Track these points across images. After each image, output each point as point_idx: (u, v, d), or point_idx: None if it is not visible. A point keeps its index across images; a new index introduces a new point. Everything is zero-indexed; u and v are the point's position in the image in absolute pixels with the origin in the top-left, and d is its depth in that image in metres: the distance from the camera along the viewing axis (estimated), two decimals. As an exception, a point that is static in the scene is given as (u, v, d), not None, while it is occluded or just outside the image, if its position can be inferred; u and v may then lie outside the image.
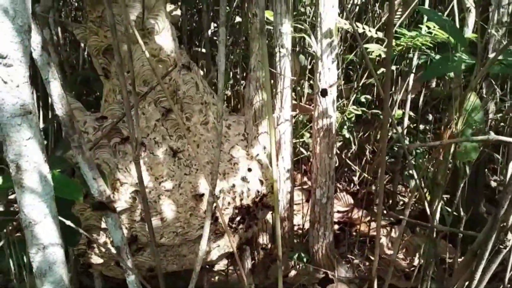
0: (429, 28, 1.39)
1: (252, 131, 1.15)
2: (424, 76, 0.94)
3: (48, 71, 0.57)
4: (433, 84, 2.36)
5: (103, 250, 0.94)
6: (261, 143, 1.32)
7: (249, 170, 1.09)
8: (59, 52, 1.53)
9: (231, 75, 2.27)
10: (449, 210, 1.48)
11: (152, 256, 0.89)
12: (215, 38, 1.86)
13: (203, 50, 1.94)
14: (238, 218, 1.06)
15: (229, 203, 1.04)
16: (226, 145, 1.11)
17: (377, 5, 2.18)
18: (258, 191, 1.10)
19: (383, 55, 1.26)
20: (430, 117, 2.69)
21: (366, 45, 1.31)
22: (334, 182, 1.52)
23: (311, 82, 2.14)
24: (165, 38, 1.01)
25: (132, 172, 0.94)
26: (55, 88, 0.58)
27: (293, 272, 1.56)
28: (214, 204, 0.71)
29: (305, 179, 2.21)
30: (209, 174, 0.99)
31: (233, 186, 1.05)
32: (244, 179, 1.08)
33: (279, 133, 1.55)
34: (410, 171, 2.07)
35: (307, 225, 1.69)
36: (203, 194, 1.00)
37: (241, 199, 1.06)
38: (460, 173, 1.37)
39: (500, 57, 1.04)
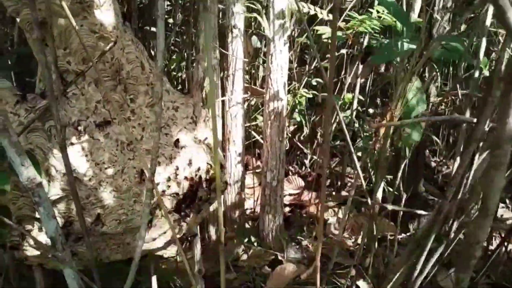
0: (378, 12, 1.41)
1: (201, 113, 1.12)
2: (372, 61, 0.95)
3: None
4: (382, 69, 2.43)
5: (38, 241, 0.87)
6: (207, 123, 1.28)
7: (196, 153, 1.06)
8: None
9: (184, 56, 2.19)
10: (391, 189, 1.55)
11: (87, 247, 0.84)
12: (168, 17, 1.77)
13: (153, 29, 1.84)
14: (185, 203, 1.03)
15: (175, 188, 1.01)
16: (173, 128, 1.06)
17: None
18: (206, 175, 1.08)
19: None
20: (378, 100, 2.79)
21: (317, 27, 1.30)
22: (285, 165, 1.53)
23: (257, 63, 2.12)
24: (106, 13, 0.94)
25: (70, 157, 0.87)
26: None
27: (244, 256, 1.57)
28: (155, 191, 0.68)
29: (259, 163, 2.21)
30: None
31: (178, 169, 1.02)
32: (190, 162, 1.05)
33: (230, 116, 1.53)
34: (358, 154, 2.14)
35: (258, 209, 1.70)
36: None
37: (189, 184, 1.04)
38: (401, 154, 1.43)
39: (443, 43, 1.08)
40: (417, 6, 1.27)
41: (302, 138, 2.39)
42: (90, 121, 0.94)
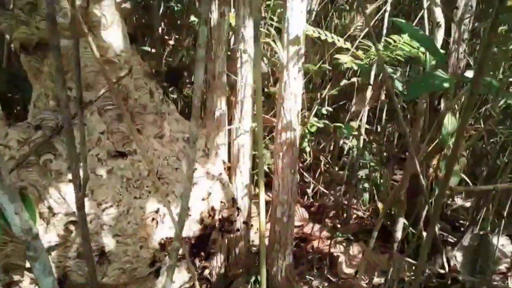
0: (394, 41, 1.35)
1: (214, 145, 1.02)
2: (408, 95, 0.87)
3: None
4: (383, 97, 2.39)
5: (27, 296, 0.74)
6: (220, 157, 1.18)
7: (209, 194, 0.95)
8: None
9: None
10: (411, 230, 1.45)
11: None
12: (166, 37, 1.69)
13: (153, 50, 1.76)
14: (198, 247, 0.91)
15: (187, 231, 0.90)
16: (183, 163, 0.96)
17: (335, 14, 2.15)
18: (220, 215, 0.97)
19: (355, 67, 1.20)
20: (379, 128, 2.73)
21: (338, 56, 1.23)
22: (296, 199, 1.43)
23: (267, 89, 2.04)
24: (114, 34, 0.84)
25: (68, 197, 0.76)
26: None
27: (249, 296, 1.44)
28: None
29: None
30: (166, 198, 0.84)
31: (190, 209, 0.91)
32: (203, 201, 0.94)
33: (237, 146, 1.43)
34: (364, 185, 2.05)
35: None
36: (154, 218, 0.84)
37: (203, 226, 0.92)
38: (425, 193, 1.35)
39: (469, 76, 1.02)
40: (440, 36, 1.21)
41: (303, 165, 2.30)
42: (92, 154, 0.83)
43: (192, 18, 1.66)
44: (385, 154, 2.38)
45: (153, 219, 0.82)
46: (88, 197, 0.79)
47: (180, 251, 0.91)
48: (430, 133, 0.95)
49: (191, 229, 0.91)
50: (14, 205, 0.55)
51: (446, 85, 0.89)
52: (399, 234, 1.35)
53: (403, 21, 1.08)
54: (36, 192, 0.75)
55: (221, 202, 0.97)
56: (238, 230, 1.23)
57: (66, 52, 0.79)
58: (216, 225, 0.96)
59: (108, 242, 0.79)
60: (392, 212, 1.82)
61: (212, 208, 0.94)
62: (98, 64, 0.82)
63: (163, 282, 0.89)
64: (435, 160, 0.92)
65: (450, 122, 0.89)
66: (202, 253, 0.91)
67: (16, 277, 0.75)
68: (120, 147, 0.87)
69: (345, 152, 1.96)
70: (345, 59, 1.18)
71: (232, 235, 1.21)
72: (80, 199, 0.45)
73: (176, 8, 1.89)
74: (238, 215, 1.44)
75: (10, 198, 0.55)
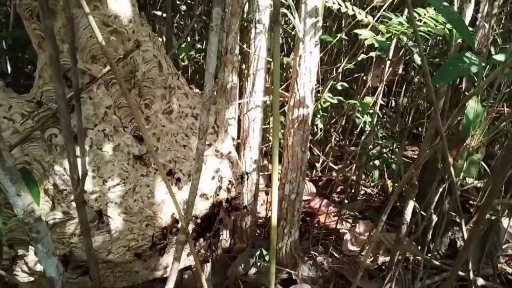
0: (419, 15, 1.27)
1: (224, 123, 0.98)
2: (435, 80, 0.82)
3: None
4: (400, 71, 2.30)
5: (32, 269, 0.75)
6: (229, 133, 1.15)
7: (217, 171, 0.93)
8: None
9: (194, 44, 2.03)
10: (421, 211, 1.43)
11: (93, 278, 0.72)
12: (178, 2, 1.61)
13: (164, 15, 1.69)
14: (204, 226, 0.90)
15: (194, 210, 0.88)
16: (192, 140, 0.93)
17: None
18: (228, 194, 0.95)
19: (376, 44, 1.13)
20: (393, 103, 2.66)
21: (358, 31, 1.16)
22: (305, 177, 1.41)
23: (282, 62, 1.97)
24: (121, 2, 0.79)
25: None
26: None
27: (253, 270, 1.45)
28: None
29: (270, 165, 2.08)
30: (170, 181, 0.82)
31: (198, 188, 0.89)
32: (212, 180, 0.92)
33: (248, 120, 1.39)
34: (375, 162, 2.01)
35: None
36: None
37: (210, 205, 0.91)
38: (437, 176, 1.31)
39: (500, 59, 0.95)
40: (468, 13, 1.13)
41: (314, 139, 2.26)
42: (98, 129, 0.80)
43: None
44: (398, 129, 2.33)
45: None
46: (94, 173, 0.78)
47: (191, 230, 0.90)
48: (452, 118, 0.90)
49: (198, 208, 0.89)
50: (15, 186, 0.53)
51: (474, 69, 0.83)
52: (408, 217, 1.33)
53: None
54: (41, 168, 0.73)
55: (229, 181, 0.95)
56: (245, 207, 1.22)
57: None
58: (224, 204, 0.94)
59: (114, 220, 0.78)
60: (402, 192, 1.79)
61: (220, 188, 0.92)
62: (104, 34, 0.78)
63: (167, 260, 0.88)
64: (455, 149, 0.88)
65: (474, 110, 0.84)
66: (208, 234, 0.90)
67: (20, 251, 0.75)
68: (127, 122, 0.84)
69: (358, 127, 1.91)
70: (366, 35, 1.11)
71: (239, 213, 1.20)
72: (80, 194, 0.42)
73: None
74: (245, 191, 1.42)
75: (12, 179, 0.53)
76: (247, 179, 1.44)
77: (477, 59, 0.80)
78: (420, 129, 2.69)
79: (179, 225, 0.85)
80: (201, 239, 0.89)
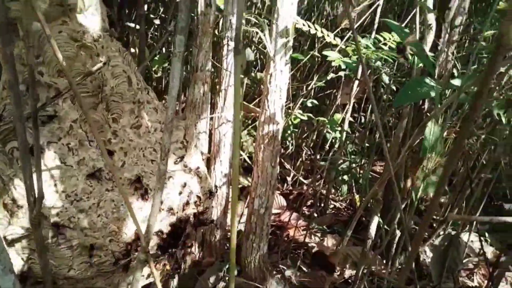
0: (384, 39, 1.33)
1: (193, 138, 0.99)
2: (395, 102, 0.86)
3: None
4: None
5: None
6: (199, 148, 1.16)
7: (184, 185, 0.94)
8: None
9: (168, 56, 2.04)
10: (384, 225, 1.48)
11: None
12: (151, 16, 1.62)
13: (137, 27, 1.69)
14: (170, 242, 0.90)
15: (160, 225, 0.88)
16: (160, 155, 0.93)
17: (327, 4, 2.10)
18: (196, 209, 0.95)
19: (343, 66, 1.17)
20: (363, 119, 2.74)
21: (326, 52, 1.20)
22: (275, 192, 1.43)
23: (249, 78, 2.01)
24: (91, 18, 0.79)
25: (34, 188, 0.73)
26: None
27: (221, 284, 1.45)
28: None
29: (240, 177, 2.10)
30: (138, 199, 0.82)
31: (163, 203, 0.89)
32: (179, 195, 0.93)
33: (219, 135, 1.40)
34: (344, 177, 2.06)
35: (241, 227, 1.58)
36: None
37: (177, 220, 0.91)
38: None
39: (456, 83, 1.01)
40: (430, 39, 1.19)
41: (285, 154, 2.30)
42: (63, 143, 0.80)
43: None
44: (367, 144, 2.40)
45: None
46: (57, 187, 0.77)
47: (151, 243, 0.90)
48: (412, 139, 0.94)
49: (164, 222, 0.89)
50: (-29, 203, 0.52)
51: (432, 94, 0.88)
52: (373, 232, 1.37)
53: (393, 22, 1.06)
54: (0, 182, 0.72)
55: (197, 196, 0.96)
56: (212, 221, 1.23)
57: (39, 36, 0.75)
58: (191, 219, 0.95)
59: (76, 235, 0.77)
60: (368, 205, 1.84)
61: (187, 203, 0.93)
62: (72, 49, 0.78)
63: (131, 276, 0.88)
64: (414, 168, 0.92)
65: (432, 132, 0.88)
66: (173, 249, 0.90)
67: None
68: (93, 136, 0.84)
69: (328, 142, 1.96)
70: (333, 57, 1.15)
71: (207, 227, 1.20)
72: (36, 217, 0.42)
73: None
74: (214, 205, 1.43)
75: (-32, 196, 0.52)
76: (217, 192, 1.45)
77: (435, 84, 0.85)
78: (388, 144, 2.78)
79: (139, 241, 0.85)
80: (166, 255, 0.89)
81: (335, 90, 2.21)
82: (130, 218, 0.84)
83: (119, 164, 0.86)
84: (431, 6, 1.25)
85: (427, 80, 0.85)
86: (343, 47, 1.26)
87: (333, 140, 1.93)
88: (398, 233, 1.31)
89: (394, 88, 2.24)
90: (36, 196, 0.41)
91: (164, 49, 2.13)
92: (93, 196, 0.80)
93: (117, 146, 0.87)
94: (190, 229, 0.93)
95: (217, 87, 1.36)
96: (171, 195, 0.91)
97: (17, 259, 0.74)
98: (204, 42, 1.05)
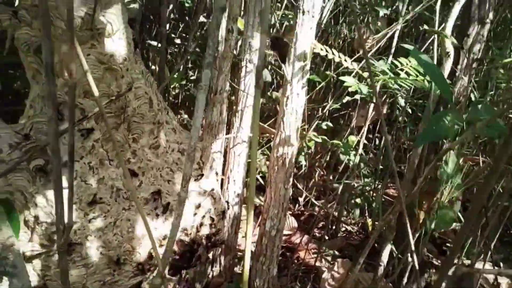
0: (402, 65, 1.34)
1: (209, 159, 1.00)
2: (418, 141, 0.86)
3: None
4: (384, 110, 2.37)
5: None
6: (214, 168, 1.17)
7: (198, 206, 0.94)
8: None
9: (186, 73, 2.08)
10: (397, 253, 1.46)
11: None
12: (173, 35, 1.66)
13: (158, 45, 1.73)
14: (182, 263, 0.91)
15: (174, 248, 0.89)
16: (176, 175, 0.95)
17: (344, 26, 2.12)
18: (208, 231, 0.96)
19: (359, 91, 1.18)
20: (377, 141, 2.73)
21: (343, 78, 1.22)
22: (286, 214, 1.42)
23: (270, 94, 2.03)
24: (118, 42, 0.82)
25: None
26: None
27: (230, 306, 1.44)
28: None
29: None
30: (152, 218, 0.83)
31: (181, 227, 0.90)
32: (193, 216, 0.93)
33: (233, 155, 1.41)
34: (357, 200, 2.05)
35: (251, 247, 1.57)
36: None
37: (189, 241, 0.91)
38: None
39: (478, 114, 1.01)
40: (447, 66, 1.19)
41: (298, 175, 2.29)
42: (84, 162, 0.82)
43: (202, 18, 1.63)
44: (381, 167, 2.38)
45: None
46: (76, 205, 0.78)
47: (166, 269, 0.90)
48: (428, 171, 0.94)
49: (178, 244, 0.90)
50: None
51: (453, 130, 0.87)
52: (385, 259, 1.35)
53: (411, 46, 1.06)
54: (23, 198, 0.74)
55: (211, 217, 0.96)
56: (223, 242, 1.23)
57: (64, 58, 0.78)
58: (203, 241, 0.95)
59: (92, 253, 0.78)
60: (382, 230, 1.82)
61: (201, 224, 0.93)
62: (99, 71, 0.81)
63: (144, 296, 0.88)
64: (428, 197, 0.91)
65: (450, 162, 0.88)
66: (185, 270, 0.90)
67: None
68: (114, 155, 0.86)
69: (342, 164, 1.95)
70: (350, 82, 1.16)
71: (218, 248, 1.20)
72: (63, 245, 0.44)
73: (186, 4, 1.86)
74: (226, 224, 1.43)
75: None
76: (228, 211, 1.45)
77: (456, 119, 0.84)
78: (402, 167, 2.75)
79: (153, 261, 0.86)
80: (177, 276, 0.90)
81: (350, 110, 2.22)
82: (145, 238, 0.85)
83: (136, 183, 0.88)
84: (449, 33, 1.25)
85: (450, 114, 0.85)
86: (360, 71, 1.27)
87: (347, 161, 1.93)
88: (411, 261, 1.29)
89: (409, 110, 2.23)
90: (66, 224, 0.42)
91: (182, 67, 2.17)
92: (110, 215, 0.82)
93: (136, 166, 0.89)
94: (202, 250, 0.94)
95: (234, 107, 1.38)
96: (185, 216, 0.92)
97: (34, 275, 0.75)
98: (224, 66, 1.07)
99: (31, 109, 0.83)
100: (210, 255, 1.46)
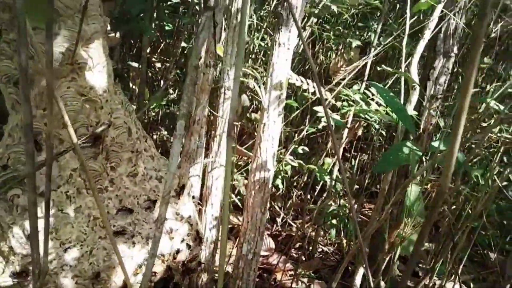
0: (373, 94, 1.41)
1: (186, 186, 1.03)
2: (377, 168, 0.91)
3: None
4: (359, 132, 2.45)
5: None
6: (192, 193, 1.19)
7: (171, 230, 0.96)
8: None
9: (166, 91, 2.10)
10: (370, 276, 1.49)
11: None
12: (153, 59, 1.70)
13: (139, 66, 1.76)
14: (157, 290, 0.92)
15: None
16: (154, 203, 0.96)
17: (320, 52, 2.21)
18: (184, 257, 0.98)
19: (332, 123, 1.24)
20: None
21: (316, 108, 1.27)
22: (263, 237, 1.45)
23: (249, 115, 2.07)
24: (98, 75, 0.85)
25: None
26: None
27: (206, 329, 1.44)
28: None
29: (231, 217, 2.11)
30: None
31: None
32: (169, 243, 0.95)
33: (211, 178, 1.44)
34: (333, 221, 2.09)
35: (228, 269, 1.59)
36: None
37: (165, 268, 0.93)
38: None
39: (438, 145, 1.07)
40: (414, 99, 1.27)
41: (276, 195, 2.33)
42: (61, 191, 0.83)
43: (183, 44, 1.67)
44: (357, 186, 2.44)
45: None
46: (52, 235, 0.79)
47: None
48: (394, 198, 0.99)
49: (153, 270, 0.91)
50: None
51: (413, 159, 0.93)
52: (358, 282, 1.39)
53: (379, 85, 1.13)
54: (-1, 229, 0.74)
55: (187, 244, 0.98)
56: (200, 264, 1.24)
57: (45, 90, 0.80)
58: (179, 267, 0.97)
59: (66, 283, 0.79)
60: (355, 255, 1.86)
61: (178, 251, 0.95)
62: (78, 103, 0.83)
63: (118, 324, 0.88)
64: (396, 224, 0.96)
65: (412, 193, 0.93)
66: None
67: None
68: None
69: (320, 184, 2.00)
70: (322, 113, 1.22)
71: (195, 274, 1.21)
72: None
73: (167, 27, 1.90)
74: (203, 247, 1.44)
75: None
76: (206, 235, 1.47)
77: (415, 149, 0.91)
78: (378, 186, 2.83)
79: (132, 289, 0.87)
80: (154, 304, 0.91)
81: (327, 131, 2.29)
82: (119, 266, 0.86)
83: (113, 212, 0.89)
84: (415, 67, 1.33)
85: (408, 145, 0.91)
86: (333, 101, 1.33)
87: (323, 182, 1.98)
88: (383, 284, 1.34)
89: (383, 132, 2.32)
90: (41, 269, 0.44)
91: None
92: (86, 244, 0.83)
93: (113, 194, 0.90)
94: (178, 276, 0.95)
95: (212, 132, 1.42)
96: (162, 243, 0.93)
97: (7, 306, 0.75)
98: (202, 98, 1.11)
99: (9, 138, 0.84)
100: (187, 281, 1.46)
